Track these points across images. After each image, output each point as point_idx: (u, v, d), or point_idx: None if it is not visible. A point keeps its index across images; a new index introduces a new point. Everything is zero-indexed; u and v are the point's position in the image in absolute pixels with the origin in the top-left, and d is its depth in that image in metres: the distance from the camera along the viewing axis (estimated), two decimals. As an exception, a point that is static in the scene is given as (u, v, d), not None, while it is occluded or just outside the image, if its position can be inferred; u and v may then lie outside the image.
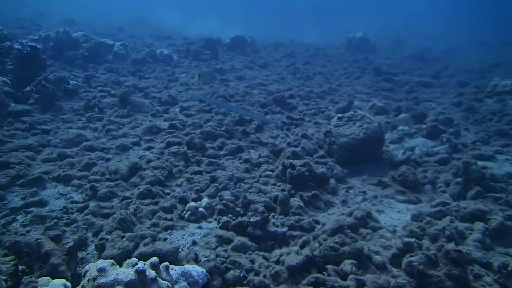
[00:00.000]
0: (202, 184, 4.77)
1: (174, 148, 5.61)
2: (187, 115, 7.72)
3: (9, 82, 6.17)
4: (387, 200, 4.61)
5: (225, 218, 3.98)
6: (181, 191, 4.65)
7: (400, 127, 7.02)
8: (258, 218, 3.89)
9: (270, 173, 5.26)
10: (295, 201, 4.34)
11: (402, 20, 31.76)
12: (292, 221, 3.95)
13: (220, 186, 4.74)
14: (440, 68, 14.19)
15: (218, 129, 6.69)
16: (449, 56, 17.99)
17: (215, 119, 7.49)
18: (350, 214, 4.09)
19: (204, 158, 5.56)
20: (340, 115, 6.02)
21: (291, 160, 5.03)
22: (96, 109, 6.95)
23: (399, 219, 4.14)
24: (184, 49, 14.75)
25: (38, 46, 10.25)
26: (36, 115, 6.21)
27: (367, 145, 5.56)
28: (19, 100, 6.29)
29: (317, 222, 4.02)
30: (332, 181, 5.05)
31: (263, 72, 12.75)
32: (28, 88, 6.46)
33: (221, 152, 5.91)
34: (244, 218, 3.90)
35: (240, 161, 5.64)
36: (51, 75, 7.89)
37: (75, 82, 8.40)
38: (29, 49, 6.96)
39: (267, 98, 9.14)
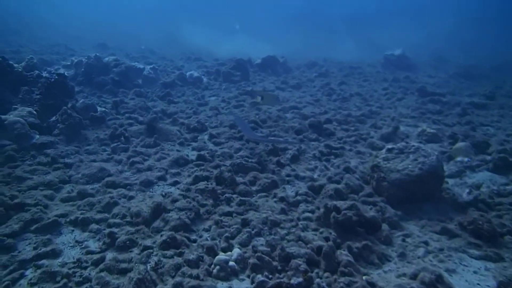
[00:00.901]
0: (232, 229, 4.25)
1: (202, 184, 5.17)
2: (216, 143, 7.33)
3: (34, 112, 6.09)
4: (458, 255, 3.84)
5: (260, 277, 3.41)
6: (209, 237, 4.15)
7: (459, 158, 6.20)
8: (300, 279, 3.29)
9: (310, 215, 4.66)
10: (343, 255, 3.69)
11: (442, 33, 30.44)
12: (342, 284, 3.31)
13: (253, 232, 4.20)
14: (493, 87, 13.06)
15: (250, 160, 6.21)
16: (499, 74, 16.73)
17: (246, 148, 7.04)
18: (414, 277, 3.38)
19: (234, 196, 5.06)
20: (389, 146, 5.35)
21: (334, 202, 4.40)
22: (122, 138, 6.72)
23: (478, 284, 3.37)
24: (214, 70, 14.67)
25: (66, 73, 10.48)
26: (60, 146, 6.05)
27: (424, 182, 4.83)
28: (44, 131, 6.18)
29: (373, 285, 3.34)
30: (384, 226, 4.36)
31: (296, 94, 12.28)
32: (53, 118, 6.37)
33: (254, 188, 5.39)
34: (284, 279, 3.31)
35: (275, 199, 5.08)
36: (80, 102, 7.84)
37: (103, 109, 8.31)
38: (56, 77, 6.94)
39: (302, 123, 8.61)
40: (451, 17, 36.91)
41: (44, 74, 6.89)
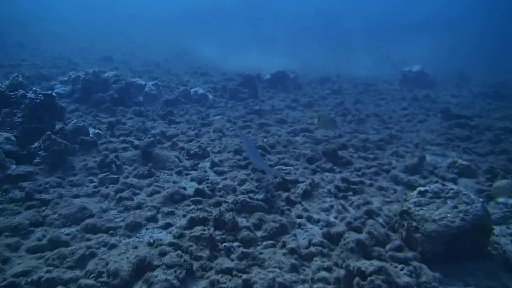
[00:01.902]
0: (231, 294, 3.51)
1: (198, 230, 4.45)
2: (218, 173, 6.62)
3: (13, 138, 5.50)
4: None
5: None
6: (202, 305, 3.41)
7: (502, 199, 5.37)
8: None
9: (326, 274, 3.88)
10: None
11: (465, 48, 29.59)
12: None
13: (257, 299, 3.44)
14: (526, 108, 12.20)
15: (255, 197, 5.48)
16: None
17: (252, 179, 6.33)
18: None
19: (235, 245, 4.32)
20: (422, 188, 4.57)
21: (358, 264, 3.63)
22: (113, 166, 6.07)
23: None
24: (221, 86, 14.10)
25: (62, 90, 10.02)
26: (40, 178, 5.41)
27: (467, 236, 4.03)
28: (24, 160, 5.58)
29: None
30: (421, 295, 3.56)
31: (308, 113, 11.58)
32: (36, 144, 5.76)
33: (259, 234, 4.65)
34: None
35: (284, 250, 4.32)
36: (71, 124, 7.27)
37: (97, 131, 7.73)
38: (43, 97, 6.38)
39: (315, 149, 7.88)
40: (475, 31, 36.07)
41: (29, 94, 6.31)
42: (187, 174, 6.47)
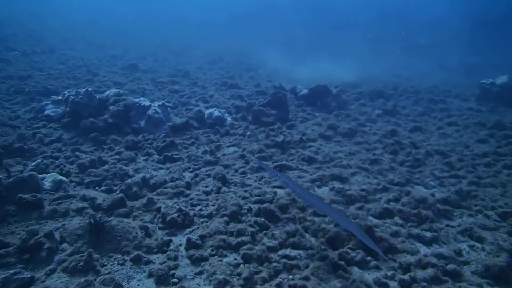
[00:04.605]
0: None
1: None
2: (194, 261, 4.80)
3: None
4: None
5: None
6: None
7: None
8: None
9: None
10: None
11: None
12: None
13: None
14: None
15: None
16: None
17: (241, 272, 4.44)
18: None
19: None
20: None
21: None
22: (43, 254, 4.52)
23: None
24: (246, 105, 12.30)
25: (52, 112, 8.93)
26: None
27: None
28: None
29: None
30: None
31: (346, 148, 9.33)
32: None
33: None
34: None
35: None
36: (27, 169, 5.93)
37: (59, 178, 6.32)
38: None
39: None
40: None
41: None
42: (147, 263, 4.72)
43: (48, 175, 6.33)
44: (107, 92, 10.28)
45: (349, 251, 5.01)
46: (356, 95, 15.52)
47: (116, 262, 4.61)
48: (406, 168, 8.11)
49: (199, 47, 30.31)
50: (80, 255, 4.42)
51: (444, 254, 5.01)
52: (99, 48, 24.91)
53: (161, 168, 7.74)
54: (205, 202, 6.34)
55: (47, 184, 6.08)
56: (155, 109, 10.01)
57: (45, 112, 9.43)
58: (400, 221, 5.94)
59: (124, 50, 25.37)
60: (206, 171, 7.74)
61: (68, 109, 9.03)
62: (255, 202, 6.35)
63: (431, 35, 33.42)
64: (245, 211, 6.06)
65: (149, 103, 10.16)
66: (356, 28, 39.33)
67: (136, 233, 5.10)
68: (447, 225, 5.93)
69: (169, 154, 8.24)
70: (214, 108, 11.07)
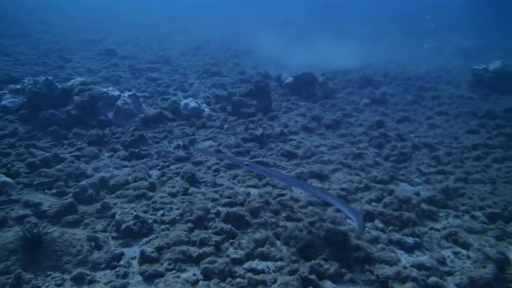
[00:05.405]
0: None
1: None
2: (147, 278, 4.27)
3: None
4: None
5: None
6: None
7: None
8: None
9: None
10: None
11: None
12: None
13: None
14: None
15: None
16: None
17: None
18: None
19: None
20: None
21: None
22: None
23: None
24: (226, 95, 11.66)
25: (9, 103, 8.33)
26: None
27: None
28: None
29: None
30: None
31: (329, 141, 8.81)
32: None
33: None
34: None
35: None
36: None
37: (3, 179, 5.71)
38: None
39: (318, 223, 5.24)
40: None
41: None
42: (90, 283, 4.17)
43: (-9, 176, 5.71)
44: (72, 81, 9.57)
45: (322, 262, 4.52)
46: (344, 82, 14.97)
47: (53, 282, 4.06)
48: (391, 163, 7.63)
49: (187, 30, 29.25)
50: (6, 276, 3.86)
51: (426, 265, 4.55)
52: (80, 31, 23.81)
53: (125, 166, 7.16)
54: (169, 206, 5.80)
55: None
56: (124, 100, 9.35)
57: (1, 103, 8.72)
58: (380, 225, 5.49)
59: (106, 34, 24.34)
60: (176, 168, 7.19)
61: (25, 99, 8.32)
62: (224, 205, 5.84)
63: (434, 16, 32.30)
64: (213, 215, 5.53)
65: (118, 93, 9.48)
66: (351, 9, 38.09)
67: (82, 246, 4.55)
68: (431, 228, 5.52)
69: (136, 150, 7.65)
70: (191, 99, 10.43)
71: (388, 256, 4.74)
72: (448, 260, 4.79)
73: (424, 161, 7.76)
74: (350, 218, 5.18)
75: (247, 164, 5.35)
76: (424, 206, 5.92)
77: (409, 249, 5.00)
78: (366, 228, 5.35)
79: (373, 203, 6.10)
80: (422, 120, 10.61)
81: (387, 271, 4.40)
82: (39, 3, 33.29)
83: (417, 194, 6.38)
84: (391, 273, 4.36)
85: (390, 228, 5.45)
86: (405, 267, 4.53)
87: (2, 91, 9.04)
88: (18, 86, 9.04)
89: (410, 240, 5.12)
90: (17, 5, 31.00)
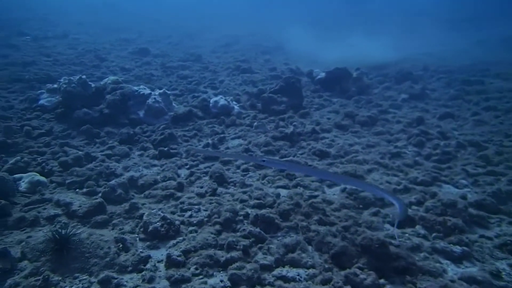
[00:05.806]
0: None
1: None
2: (173, 283, 4.12)
3: None
4: None
5: None
6: None
7: None
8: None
9: None
10: None
11: None
12: None
13: None
14: None
15: None
16: None
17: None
18: None
19: None
20: None
21: None
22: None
23: None
24: (256, 92, 11.43)
25: (46, 102, 8.54)
26: None
27: None
28: None
29: None
30: None
31: (363, 139, 8.36)
32: None
33: None
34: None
35: None
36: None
37: (37, 178, 5.80)
38: None
39: (353, 236, 4.88)
40: None
41: None
42: (117, 287, 4.08)
43: (26, 174, 5.81)
44: (105, 80, 9.72)
45: (358, 271, 4.18)
46: (380, 77, 14.30)
47: (80, 285, 4.01)
48: (433, 164, 7.09)
49: (217, 28, 29.33)
50: (35, 278, 3.85)
51: (478, 278, 4.09)
52: (114, 32, 24.49)
53: (155, 165, 7.11)
54: (196, 206, 5.65)
55: (23, 186, 5.58)
56: (155, 98, 9.36)
57: (40, 102, 8.98)
58: (422, 231, 5.04)
59: (139, 33, 24.84)
60: (205, 168, 7.05)
61: (60, 98, 8.51)
62: (253, 207, 5.62)
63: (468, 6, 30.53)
64: (241, 217, 5.33)
65: (149, 91, 9.51)
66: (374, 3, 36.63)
67: (109, 247, 4.48)
68: (482, 236, 4.99)
69: (166, 148, 7.59)
70: (220, 96, 10.29)
71: (432, 266, 4.32)
72: (503, 273, 4.29)
73: (470, 161, 7.15)
74: (389, 201, 4.88)
75: (264, 160, 5.17)
76: (472, 210, 5.41)
77: (457, 259, 4.54)
78: (406, 234, 4.96)
79: (414, 207, 5.65)
80: (467, 116, 9.86)
81: (432, 284, 4.00)
82: (78, 5, 34.63)
83: (464, 197, 5.86)
84: (436, 286, 3.96)
85: (434, 234, 5.00)
86: (452, 280, 4.09)
87: (40, 91, 9.31)
88: (55, 86, 9.28)
89: (457, 249, 4.65)
90: (56, 8, 32.44)
